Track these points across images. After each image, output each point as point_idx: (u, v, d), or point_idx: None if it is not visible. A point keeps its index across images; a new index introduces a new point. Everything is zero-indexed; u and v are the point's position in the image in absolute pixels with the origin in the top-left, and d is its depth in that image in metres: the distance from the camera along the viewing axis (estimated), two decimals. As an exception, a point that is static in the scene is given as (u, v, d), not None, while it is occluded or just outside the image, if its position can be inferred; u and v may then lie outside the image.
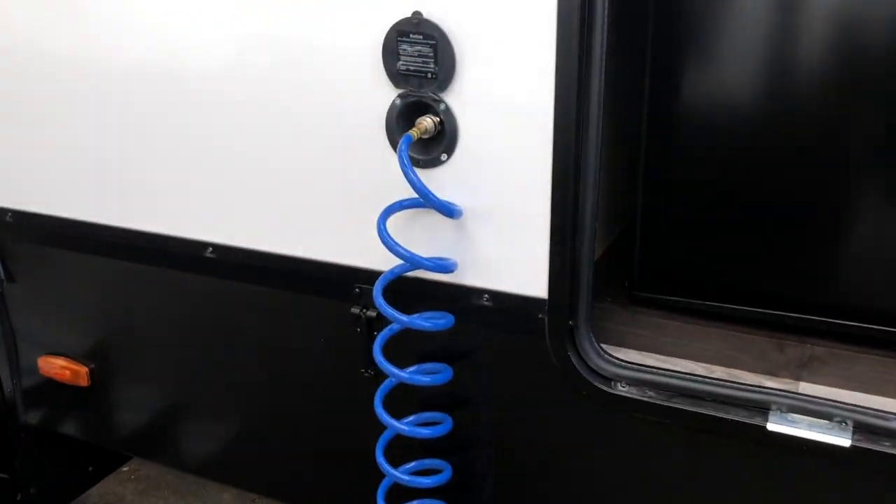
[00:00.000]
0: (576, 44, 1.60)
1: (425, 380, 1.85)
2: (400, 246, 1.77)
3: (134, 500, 4.08)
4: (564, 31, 1.59)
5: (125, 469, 4.29)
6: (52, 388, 2.62)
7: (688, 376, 1.77)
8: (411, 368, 1.89)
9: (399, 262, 1.82)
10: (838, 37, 1.72)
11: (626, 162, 2.01)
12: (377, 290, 1.83)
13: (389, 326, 1.87)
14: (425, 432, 1.90)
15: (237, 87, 1.97)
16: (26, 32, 2.21)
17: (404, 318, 1.80)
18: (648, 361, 1.91)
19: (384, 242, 1.77)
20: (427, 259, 1.79)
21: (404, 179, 1.81)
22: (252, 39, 1.92)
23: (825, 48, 1.74)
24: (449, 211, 1.75)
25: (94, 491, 4.10)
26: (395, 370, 1.84)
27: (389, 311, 1.80)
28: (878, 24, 1.68)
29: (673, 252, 2.01)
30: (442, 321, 1.83)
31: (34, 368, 2.62)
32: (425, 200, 1.73)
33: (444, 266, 1.80)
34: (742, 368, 1.91)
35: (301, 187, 1.98)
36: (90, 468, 3.04)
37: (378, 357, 1.86)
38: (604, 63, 1.64)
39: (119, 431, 2.59)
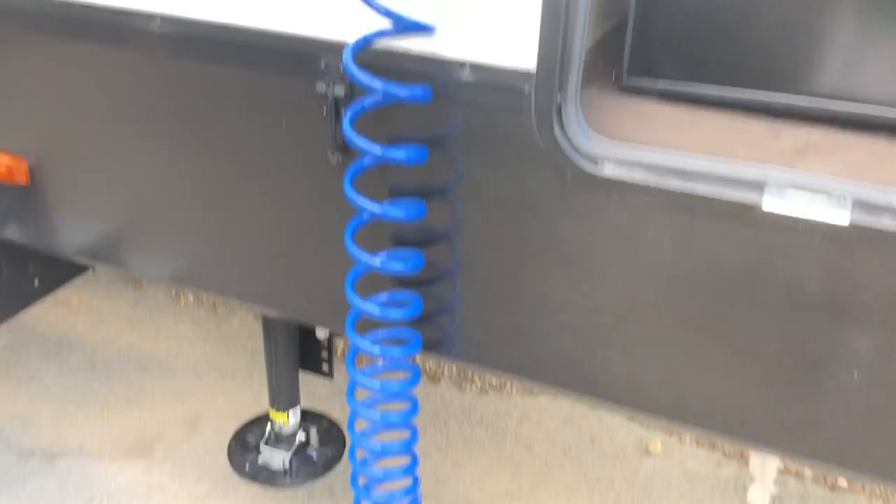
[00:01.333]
0: None
1: (400, 156, 1.71)
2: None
3: (86, 330, 3.98)
4: None
5: (74, 301, 4.18)
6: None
7: (680, 155, 1.66)
8: (389, 145, 1.75)
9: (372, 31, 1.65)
10: None
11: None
12: (347, 55, 1.65)
13: (360, 99, 1.71)
14: (398, 212, 1.77)
15: None
16: None
17: (378, 82, 1.64)
18: (636, 148, 1.80)
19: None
20: (406, 17, 1.61)
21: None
22: None
23: None
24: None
25: (43, 320, 4.00)
26: (367, 145, 1.70)
27: (361, 76, 1.63)
28: None
29: (665, 34, 1.86)
30: (419, 91, 1.67)
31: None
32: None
33: (423, 27, 1.63)
34: (735, 156, 1.81)
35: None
36: (35, 281, 2.88)
37: (348, 131, 1.70)
38: None
39: (64, 235, 2.43)
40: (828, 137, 1.79)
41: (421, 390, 2.05)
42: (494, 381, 3.59)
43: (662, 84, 1.88)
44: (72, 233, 2.41)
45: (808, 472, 3.13)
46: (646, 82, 1.90)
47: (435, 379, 3.60)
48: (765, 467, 2.22)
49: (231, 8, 1.85)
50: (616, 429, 3.34)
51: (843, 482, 3.09)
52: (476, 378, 3.60)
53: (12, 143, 2.31)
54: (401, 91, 1.65)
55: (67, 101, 2.18)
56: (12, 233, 2.52)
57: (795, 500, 3.03)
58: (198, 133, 2.06)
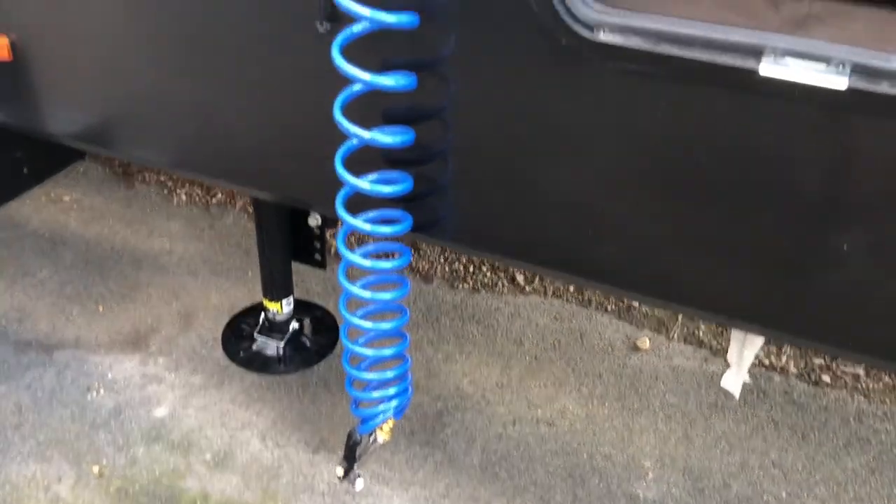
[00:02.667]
0: None
1: (390, 20, 1.67)
2: None
3: (78, 228, 3.97)
4: None
5: (66, 199, 4.15)
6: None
7: (676, 20, 1.62)
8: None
9: None
10: None
11: None
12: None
13: (350, -37, 1.66)
14: (387, 84, 1.74)
15: None
16: None
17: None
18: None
19: None
20: None
21: None
22: None
23: None
24: None
25: (36, 217, 3.99)
26: (360, 10, 1.65)
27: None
28: None
29: None
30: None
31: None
32: None
33: None
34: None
35: None
36: (25, 169, 2.85)
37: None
38: None
39: (50, 116, 2.39)
40: (828, 7, 1.74)
41: (413, 289, 2.06)
42: (486, 279, 3.62)
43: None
44: (57, 113, 2.37)
45: (792, 368, 3.19)
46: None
47: (428, 278, 3.62)
48: (742, 355, 2.24)
49: None
50: (605, 326, 3.38)
51: (826, 377, 3.14)
52: (468, 278, 3.62)
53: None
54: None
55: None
56: (-1, 116, 2.48)
57: (780, 394, 3.09)
58: (186, 4, 2.01)
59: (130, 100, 2.24)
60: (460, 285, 3.60)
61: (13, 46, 2.25)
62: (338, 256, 2.09)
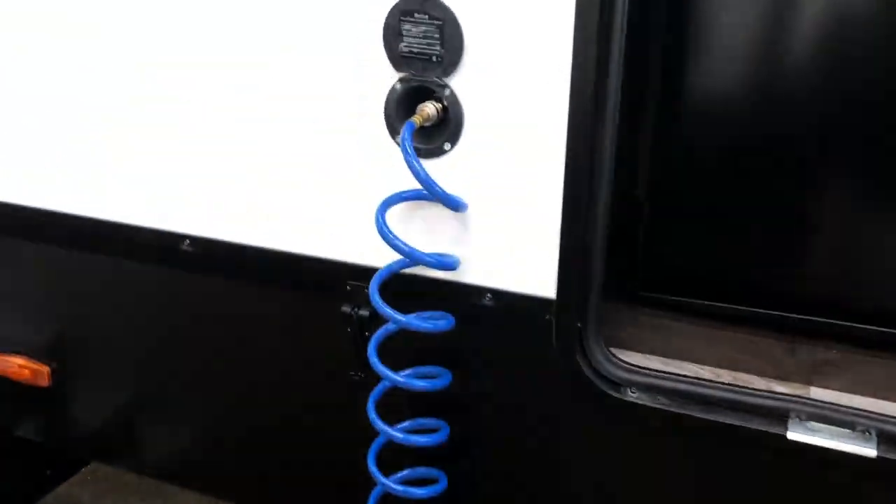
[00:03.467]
0: (594, 26, 1.49)
1: (422, 384, 1.74)
2: (399, 240, 1.65)
3: (93, 502, 3.89)
4: (584, 10, 1.48)
5: (82, 470, 4.10)
6: (5, 388, 2.44)
7: (701, 382, 1.69)
8: (407, 371, 1.78)
9: (397, 257, 1.71)
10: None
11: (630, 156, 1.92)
12: (373, 286, 1.70)
13: (385, 326, 1.76)
14: (421, 440, 1.78)
15: (219, 65, 1.82)
16: None
17: (402, 317, 1.68)
18: (653, 364, 1.82)
19: (382, 236, 1.65)
20: (428, 255, 1.67)
21: (402, 169, 1.70)
22: (238, 9, 1.77)
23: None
24: (454, 204, 1.64)
25: (51, 494, 3.92)
26: (390, 373, 1.73)
27: (386, 309, 1.68)
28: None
29: (679, 251, 1.92)
30: (442, 322, 1.71)
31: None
32: (430, 192, 1.61)
33: (446, 263, 1.69)
34: (750, 372, 1.84)
35: (290, 176, 1.84)
36: (48, 472, 2.85)
37: (373, 359, 1.74)
38: (623, 48, 1.54)
39: (84, 435, 2.43)
40: (844, 355, 1.82)
41: None
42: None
43: (677, 299, 1.93)
44: (88, 432, 2.41)
45: None
46: (660, 296, 1.95)
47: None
48: None
49: (260, 231, 1.91)
50: None
51: None
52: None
53: (34, 348, 2.35)
54: (424, 324, 1.69)
55: (91, 310, 2.23)
56: (24, 430, 2.52)
57: None
58: (217, 343, 2.10)
59: (162, 429, 2.29)
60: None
61: (53, 374, 2.34)
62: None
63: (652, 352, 1.91)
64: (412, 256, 1.65)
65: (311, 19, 1.70)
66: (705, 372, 1.84)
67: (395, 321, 1.69)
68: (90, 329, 2.26)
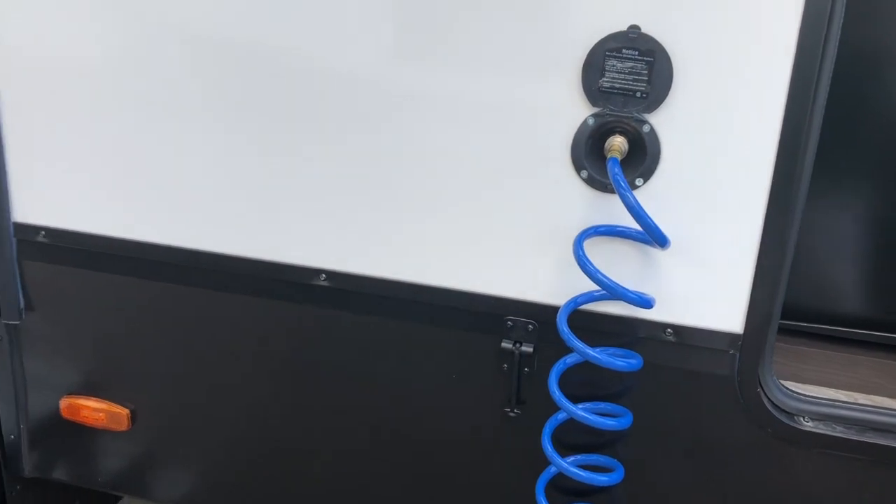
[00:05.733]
0: (815, 70, 1.52)
1: (609, 423, 1.71)
2: (601, 273, 1.62)
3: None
4: (805, 58, 1.51)
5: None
6: (71, 433, 2.23)
7: (876, 409, 1.75)
8: (585, 405, 1.76)
9: (568, 292, 1.69)
10: None
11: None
12: (562, 319, 1.67)
13: (564, 359, 1.73)
14: (600, 479, 1.75)
15: (386, 91, 1.73)
16: (60, 25, 1.86)
17: (594, 353, 1.65)
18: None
19: (584, 269, 1.62)
20: (631, 291, 1.65)
21: (580, 204, 1.69)
22: (409, 34, 1.69)
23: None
24: (661, 239, 1.62)
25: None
26: (575, 409, 1.69)
27: (577, 343, 1.65)
28: None
29: (822, 281, 1.98)
30: (633, 361, 1.69)
31: (50, 410, 2.22)
32: (642, 224, 1.58)
33: (645, 300, 1.67)
34: (888, 395, 1.92)
35: (452, 208, 1.77)
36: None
37: (556, 392, 1.70)
38: (828, 86, 1.57)
39: (157, 480, 2.24)
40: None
41: None
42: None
43: (817, 326, 1.99)
44: (165, 478, 2.23)
45: None
46: (800, 325, 2.00)
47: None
48: None
49: (412, 266, 1.83)
50: None
51: None
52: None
53: (111, 390, 2.16)
54: (617, 362, 1.67)
55: (194, 348, 2.07)
56: (92, 479, 2.31)
57: None
58: (352, 382, 1.99)
59: (275, 478, 2.14)
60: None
61: (132, 416, 2.15)
62: None
63: (791, 378, 1.96)
64: (614, 291, 1.63)
65: (502, 52, 1.65)
66: (842, 395, 1.92)
67: (586, 356, 1.66)
68: (198, 369, 2.09)
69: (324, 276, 1.89)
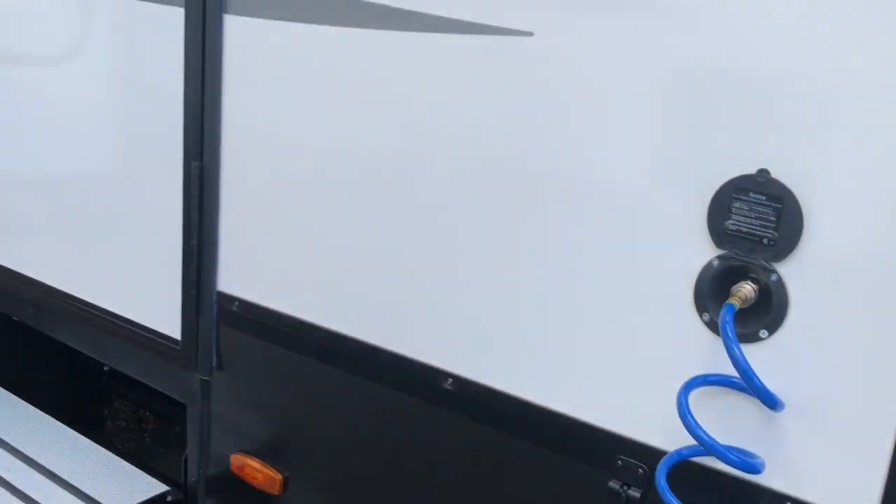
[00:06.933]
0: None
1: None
2: (702, 429, 1.51)
3: None
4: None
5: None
6: (235, 486, 2.47)
7: None
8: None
9: (687, 442, 1.57)
10: None
11: None
12: (660, 472, 1.57)
13: (672, 516, 1.61)
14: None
15: (532, 206, 1.79)
16: (288, 108, 2.15)
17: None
18: None
19: (684, 421, 1.52)
20: (732, 452, 1.52)
21: (701, 348, 1.59)
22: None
23: None
24: (771, 401, 1.48)
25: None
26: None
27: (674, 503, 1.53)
28: None
29: None
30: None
31: (224, 462, 2.49)
32: (747, 383, 1.47)
33: (751, 465, 1.52)
34: None
35: (577, 334, 1.76)
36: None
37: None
38: None
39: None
40: None
41: None
42: None
43: None
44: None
45: None
46: None
47: None
48: None
49: (531, 384, 1.84)
50: None
51: None
52: None
53: (272, 454, 2.37)
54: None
55: (337, 427, 2.23)
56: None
57: None
58: (461, 490, 2.01)
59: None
60: None
61: (285, 483, 2.35)
62: None
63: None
64: (714, 450, 1.50)
65: (624, 187, 1.65)
66: None
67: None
68: (333, 447, 2.26)
69: (451, 380, 1.95)
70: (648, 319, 1.67)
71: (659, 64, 1.59)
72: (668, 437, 1.66)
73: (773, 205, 1.48)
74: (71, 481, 2.72)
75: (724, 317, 1.48)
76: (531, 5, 1.73)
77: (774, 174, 1.48)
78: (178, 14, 2.25)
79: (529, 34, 1.72)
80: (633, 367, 1.70)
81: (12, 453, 2.83)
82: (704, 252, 1.57)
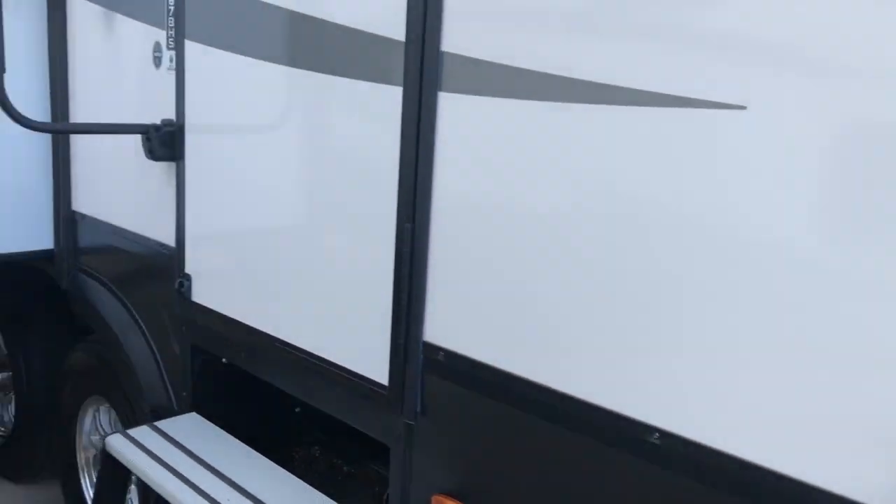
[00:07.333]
0: None
1: None
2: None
3: None
4: None
5: None
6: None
7: None
8: None
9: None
10: None
11: None
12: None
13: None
14: None
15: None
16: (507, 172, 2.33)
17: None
18: None
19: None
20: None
21: None
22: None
23: None
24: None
25: None
26: None
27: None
28: None
29: None
30: None
31: (424, 502, 2.65)
32: None
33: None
34: None
35: (802, 391, 1.80)
36: None
37: None
38: None
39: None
40: None
41: None
42: None
43: None
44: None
45: None
46: None
47: None
48: None
49: (747, 442, 1.88)
50: None
51: None
52: None
53: (471, 498, 2.51)
54: None
55: (533, 475, 2.34)
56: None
57: None
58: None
59: None
60: None
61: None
62: None
63: None
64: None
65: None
66: None
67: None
68: (531, 493, 2.37)
69: (657, 434, 2.03)
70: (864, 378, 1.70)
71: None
72: None
73: None
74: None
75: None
76: (744, 78, 1.83)
77: None
78: (397, 92, 2.50)
79: (742, 108, 1.82)
80: (861, 430, 1.72)
81: (231, 485, 3.13)
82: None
